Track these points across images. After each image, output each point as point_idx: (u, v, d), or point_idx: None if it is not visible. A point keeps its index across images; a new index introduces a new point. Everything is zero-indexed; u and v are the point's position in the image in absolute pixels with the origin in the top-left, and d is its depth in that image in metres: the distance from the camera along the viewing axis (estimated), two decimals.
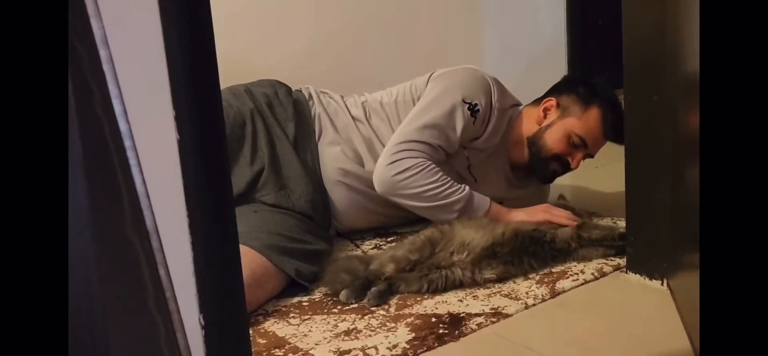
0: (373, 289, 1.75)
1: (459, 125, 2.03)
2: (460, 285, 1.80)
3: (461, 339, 1.58)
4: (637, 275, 1.80)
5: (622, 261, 1.86)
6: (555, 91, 2.22)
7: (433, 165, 2.00)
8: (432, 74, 2.16)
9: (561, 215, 2.01)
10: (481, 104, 2.06)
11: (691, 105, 1.41)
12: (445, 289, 1.79)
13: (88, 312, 0.63)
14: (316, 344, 1.58)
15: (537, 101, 2.24)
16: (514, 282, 1.81)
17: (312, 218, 2.03)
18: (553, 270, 1.86)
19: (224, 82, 2.20)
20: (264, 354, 1.56)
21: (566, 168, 2.21)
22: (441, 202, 2.00)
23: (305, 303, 1.78)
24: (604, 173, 2.71)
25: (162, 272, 0.69)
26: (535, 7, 3.25)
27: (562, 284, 1.79)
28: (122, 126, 0.64)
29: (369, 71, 2.45)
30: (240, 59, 2.49)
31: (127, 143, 0.65)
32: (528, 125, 2.18)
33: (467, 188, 2.03)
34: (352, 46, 2.79)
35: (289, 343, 1.59)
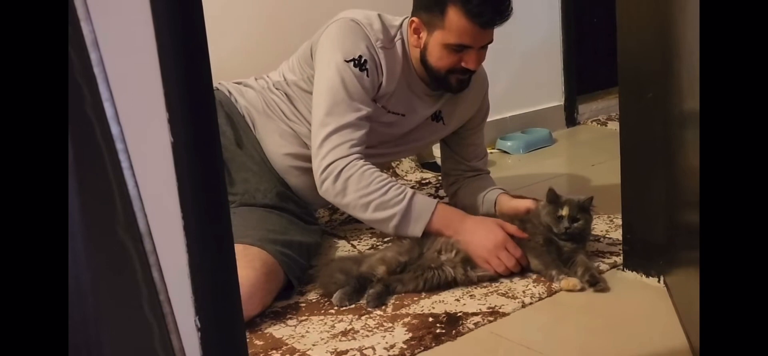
0: (370, 291, 1.75)
1: (356, 87, 1.89)
2: (454, 283, 1.79)
3: (458, 338, 1.58)
4: (634, 272, 1.80)
5: (619, 259, 1.86)
6: (414, 5, 2.00)
7: (365, 166, 1.85)
8: (316, 42, 1.99)
9: (516, 265, 1.82)
10: (364, 52, 1.91)
11: (688, 102, 1.41)
12: (440, 287, 1.78)
13: (81, 314, 0.63)
14: (314, 345, 1.58)
15: (411, 16, 2.03)
16: (511, 281, 1.81)
17: (287, 209, 1.98)
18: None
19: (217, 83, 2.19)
20: (261, 355, 1.55)
21: (467, 73, 2.00)
22: (375, 216, 1.86)
23: (302, 304, 1.78)
24: (600, 170, 2.71)
25: (156, 274, 0.69)
26: (530, 5, 3.25)
27: (558, 282, 1.78)
28: (114, 129, 0.64)
29: None
30: (236, 57, 2.49)
31: (119, 146, 0.65)
32: (413, 49, 2.01)
33: (406, 197, 1.85)
34: None
35: (286, 344, 1.59)
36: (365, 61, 1.90)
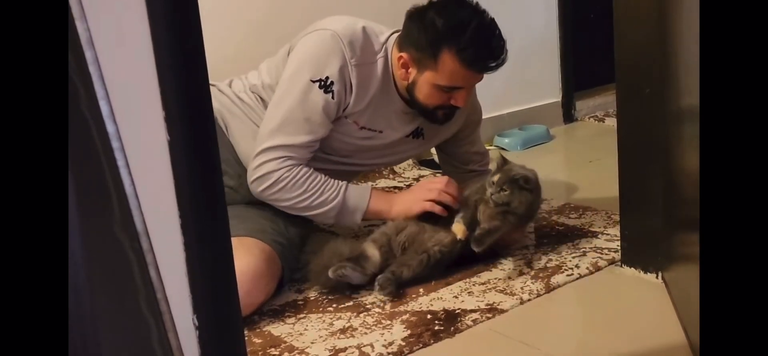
0: (379, 277, 1.75)
1: (316, 110, 1.83)
2: (456, 257, 1.85)
3: (457, 335, 1.58)
4: (632, 268, 1.80)
5: (617, 255, 1.86)
6: (403, 41, 1.91)
7: (300, 173, 1.84)
8: (293, 47, 1.94)
9: (440, 192, 1.90)
10: (333, 74, 1.83)
11: (686, 98, 1.41)
12: (443, 262, 1.83)
13: (78, 313, 0.63)
14: (312, 342, 1.58)
15: (398, 48, 1.93)
16: (510, 278, 1.81)
17: (267, 206, 1.93)
18: (548, 266, 1.86)
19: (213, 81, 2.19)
20: (260, 353, 1.55)
21: (454, 109, 1.98)
22: (313, 213, 1.88)
23: (300, 302, 1.77)
24: (598, 167, 2.71)
25: (153, 273, 0.69)
26: (527, 2, 3.25)
27: (556, 279, 1.79)
28: (109, 127, 0.63)
29: None
30: (231, 56, 2.48)
31: (115, 144, 0.64)
32: (397, 76, 1.93)
33: (340, 192, 1.88)
34: None
35: (285, 342, 1.59)
36: (332, 82, 1.83)
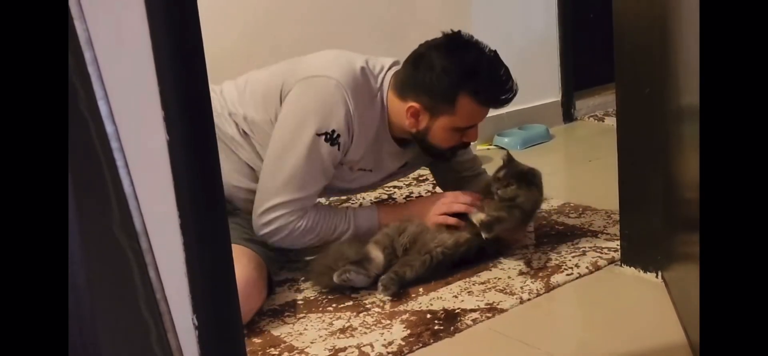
0: (383, 277, 1.75)
1: (323, 162, 1.82)
2: (459, 257, 1.86)
3: (457, 334, 1.58)
4: (632, 268, 1.80)
5: (617, 255, 1.86)
6: (410, 90, 1.87)
7: (310, 219, 1.84)
8: (290, 89, 1.84)
9: (452, 204, 1.91)
10: (339, 126, 1.80)
11: (686, 97, 1.41)
12: (445, 263, 1.83)
13: (77, 313, 0.63)
14: (312, 342, 1.58)
15: (401, 95, 1.89)
16: (509, 277, 1.81)
17: (243, 219, 1.91)
18: (548, 265, 1.86)
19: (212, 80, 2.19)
20: (259, 353, 1.55)
21: (467, 146, 2.03)
22: (326, 241, 1.88)
23: (300, 302, 1.77)
24: (598, 166, 2.71)
25: (152, 273, 0.68)
26: (527, 2, 3.25)
27: (556, 278, 1.79)
28: (108, 127, 0.63)
29: None
30: (229, 56, 2.48)
31: (114, 145, 0.64)
32: (403, 122, 1.90)
33: (350, 222, 1.90)
34: (341, 41, 2.78)
35: (285, 342, 1.59)
36: (338, 135, 1.80)
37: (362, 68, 1.88)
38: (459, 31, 1.90)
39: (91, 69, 0.61)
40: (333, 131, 1.79)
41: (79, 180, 0.62)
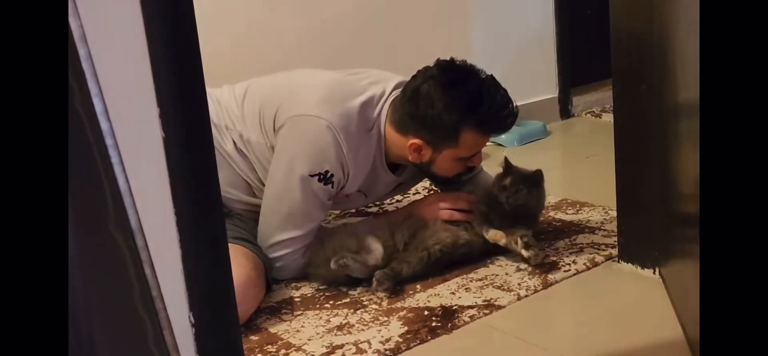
0: (377, 273, 1.74)
1: (319, 200, 1.83)
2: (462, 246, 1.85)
3: (454, 331, 1.58)
4: (629, 264, 1.80)
5: (614, 251, 1.86)
6: (410, 127, 1.84)
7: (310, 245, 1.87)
8: (282, 125, 1.82)
9: (453, 211, 1.93)
10: (332, 167, 1.80)
11: (682, 93, 1.41)
12: (443, 260, 1.82)
13: (73, 311, 0.62)
14: (309, 339, 1.58)
15: (401, 131, 1.86)
16: (507, 274, 1.81)
17: (239, 219, 1.91)
18: (545, 261, 1.86)
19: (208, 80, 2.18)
20: (257, 350, 1.55)
21: (472, 170, 2.04)
22: None
23: (297, 299, 1.77)
24: (595, 162, 2.71)
25: (148, 270, 0.68)
26: None
27: (554, 275, 1.79)
28: (103, 124, 0.63)
29: (355, 65, 2.42)
30: (226, 54, 2.48)
31: (109, 142, 0.64)
32: (402, 154, 1.88)
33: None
34: (338, 39, 2.78)
35: (282, 339, 1.59)
36: (331, 175, 1.80)
37: (359, 104, 1.85)
38: (453, 60, 1.87)
39: (85, 65, 0.61)
40: (326, 171, 1.80)
41: (73, 178, 0.62)
